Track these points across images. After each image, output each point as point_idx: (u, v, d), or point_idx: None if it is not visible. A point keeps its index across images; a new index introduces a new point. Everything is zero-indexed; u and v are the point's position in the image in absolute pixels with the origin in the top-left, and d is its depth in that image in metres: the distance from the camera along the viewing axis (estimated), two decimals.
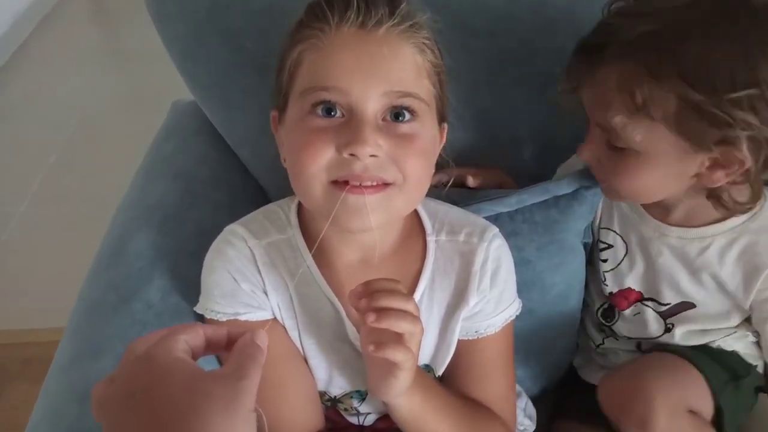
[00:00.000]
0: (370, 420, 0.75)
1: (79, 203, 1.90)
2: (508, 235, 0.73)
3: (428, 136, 0.62)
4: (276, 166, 0.67)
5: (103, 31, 3.05)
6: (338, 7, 0.58)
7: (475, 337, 0.70)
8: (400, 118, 0.59)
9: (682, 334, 0.78)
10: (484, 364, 0.71)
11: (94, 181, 1.96)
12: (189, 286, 0.70)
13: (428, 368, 0.72)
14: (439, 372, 0.72)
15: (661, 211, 0.74)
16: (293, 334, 0.68)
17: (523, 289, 0.75)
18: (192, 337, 0.45)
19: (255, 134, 0.84)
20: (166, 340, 0.43)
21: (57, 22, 2.92)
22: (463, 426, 0.67)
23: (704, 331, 0.78)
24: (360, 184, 0.58)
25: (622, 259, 0.78)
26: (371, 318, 0.54)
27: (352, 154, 0.56)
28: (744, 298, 0.73)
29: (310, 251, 0.67)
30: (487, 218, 0.75)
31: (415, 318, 0.57)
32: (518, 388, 0.83)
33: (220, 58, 0.81)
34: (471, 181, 0.80)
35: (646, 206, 0.75)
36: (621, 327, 0.82)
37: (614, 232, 0.78)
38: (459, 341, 0.70)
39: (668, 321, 0.79)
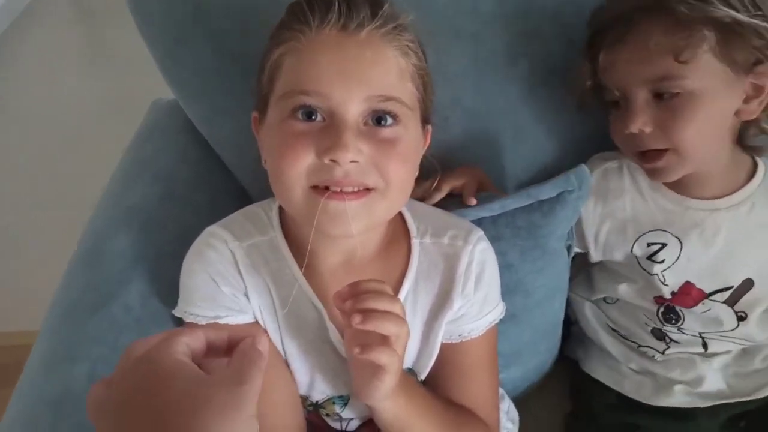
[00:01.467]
0: (352, 426, 0.74)
1: (57, 207, 1.86)
2: (491, 240, 0.72)
3: (411, 140, 0.61)
4: (259, 167, 0.66)
5: (82, 32, 3.00)
6: (319, 8, 0.57)
7: (459, 341, 0.70)
8: (382, 123, 0.58)
9: (757, 320, 0.79)
10: (468, 368, 0.71)
11: (73, 184, 1.92)
12: (169, 289, 0.69)
13: (411, 372, 0.72)
14: (422, 376, 0.72)
15: (700, 189, 0.76)
16: (275, 337, 0.67)
17: (506, 293, 0.75)
18: (193, 340, 0.44)
19: (238, 135, 0.83)
20: (167, 342, 0.43)
21: (34, 23, 2.87)
22: (447, 430, 0.66)
23: None
24: (341, 190, 0.57)
25: (680, 254, 0.78)
26: (357, 319, 0.54)
27: (332, 160, 0.55)
28: None
29: (292, 252, 0.66)
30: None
31: (401, 320, 0.57)
32: (501, 391, 0.82)
33: (203, 60, 0.79)
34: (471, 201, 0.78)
35: (685, 191, 0.77)
36: (691, 325, 0.81)
37: (663, 230, 0.78)
38: (442, 345, 0.70)
39: (738, 310, 0.79)
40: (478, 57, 0.80)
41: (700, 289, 0.79)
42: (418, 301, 0.69)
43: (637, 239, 0.79)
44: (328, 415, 0.73)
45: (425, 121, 0.66)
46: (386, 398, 0.60)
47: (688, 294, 0.79)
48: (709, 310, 0.79)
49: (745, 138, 0.75)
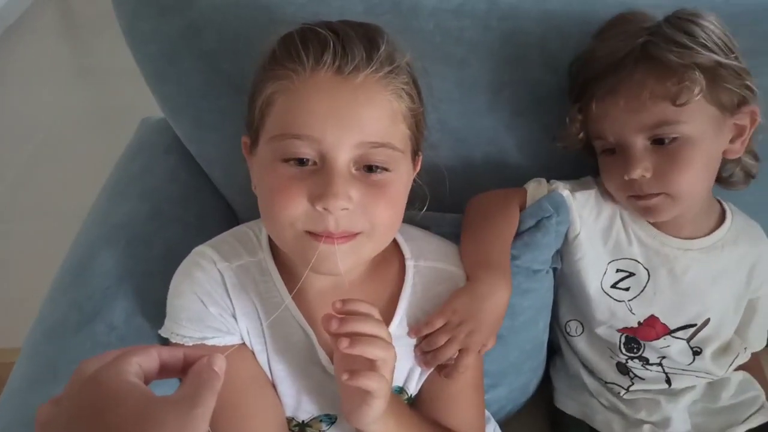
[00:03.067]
0: None
1: (37, 221, 1.84)
2: None
3: (401, 183, 0.62)
4: (247, 187, 0.67)
5: (71, 45, 2.99)
6: (314, 49, 0.57)
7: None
8: (373, 170, 0.59)
9: (711, 355, 0.82)
10: (456, 391, 0.71)
11: (54, 199, 1.90)
12: (155, 308, 0.69)
13: (401, 390, 0.72)
14: (411, 392, 0.72)
15: (677, 228, 0.79)
16: (262, 359, 0.67)
17: None
18: (146, 360, 0.44)
19: (227, 155, 0.83)
20: (117, 362, 0.42)
21: (23, 34, 2.85)
22: None
23: (726, 349, 0.83)
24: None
25: (646, 285, 0.79)
26: (344, 344, 0.54)
27: (324, 208, 0.56)
28: (746, 292, 0.81)
29: (281, 274, 0.66)
30: None
31: (388, 344, 0.57)
32: (486, 413, 0.83)
33: (193, 79, 0.80)
34: None
35: (663, 228, 0.79)
36: (650, 354, 0.83)
37: (634, 260, 0.79)
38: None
39: (693, 345, 0.81)
40: (464, 82, 0.82)
41: (664, 324, 0.80)
42: (412, 323, 0.69)
43: (611, 262, 0.80)
44: None
45: (416, 151, 0.66)
46: (375, 422, 0.60)
47: (653, 327, 0.81)
48: (668, 346, 0.81)
49: (721, 174, 0.78)
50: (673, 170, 0.70)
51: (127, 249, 0.76)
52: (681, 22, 0.69)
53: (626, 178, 0.71)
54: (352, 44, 0.57)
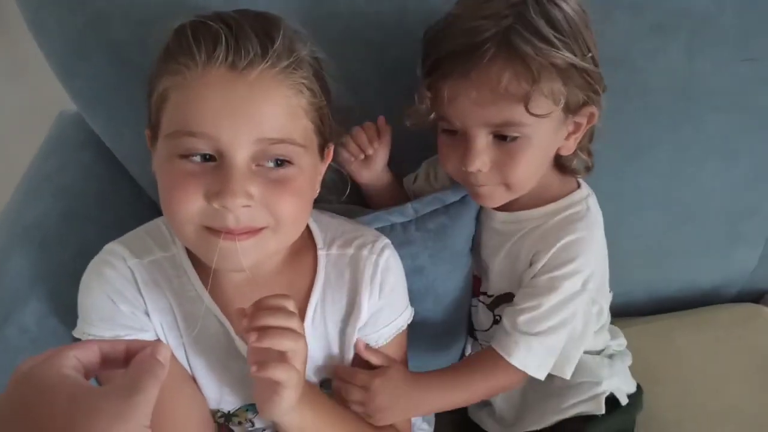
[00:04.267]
0: None
1: None
2: (402, 244, 0.74)
3: (305, 177, 0.60)
4: None
5: (2, 39, 2.86)
6: (205, 43, 0.54)
7: None
8: (274, 165, 0.57)
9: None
10: None
11: None
12: (69, 310, 0.67)
13: (327, 381, 0.72)
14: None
15: None
16: (179, 354, 0.66)
17: (417, 297, 0.76)
18: (85, 353, 0.43)
19: (144, 149, 0.79)
20: (53, 357, 0.42)
21: None
22: None
23: None
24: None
25: (473, 243, 0.82)
26: (252, 337, 0.54)
27: (222, 206, 0.55)
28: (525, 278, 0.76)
29: (195, 268, 0.66)
30: (381, 228, 0.76)
31: (298, 335, 0.57)
32: None
33: (102, 71, 0.78)
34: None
35: None
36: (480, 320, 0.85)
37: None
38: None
39: (496, 314, 0.82)
40: (384, 65, 0.81)
41: (478, 284, 0.84)
42: (326, 311, 0.69)
43: None
44: (240, 423, 0.72)
45: (325, 144, 0.65)
46: (288, 413, 0.60)
47: (474, 283, 0.84)
48: (476, 306, 0.84)
49: (561, 161, 0.77)
50: (509, 166, 0.69)
51: (40, 249, 0.74)
52: (547, 5, 0.65)
53: (463, 169, 0.70)
54: (246, 38, 0.55)
